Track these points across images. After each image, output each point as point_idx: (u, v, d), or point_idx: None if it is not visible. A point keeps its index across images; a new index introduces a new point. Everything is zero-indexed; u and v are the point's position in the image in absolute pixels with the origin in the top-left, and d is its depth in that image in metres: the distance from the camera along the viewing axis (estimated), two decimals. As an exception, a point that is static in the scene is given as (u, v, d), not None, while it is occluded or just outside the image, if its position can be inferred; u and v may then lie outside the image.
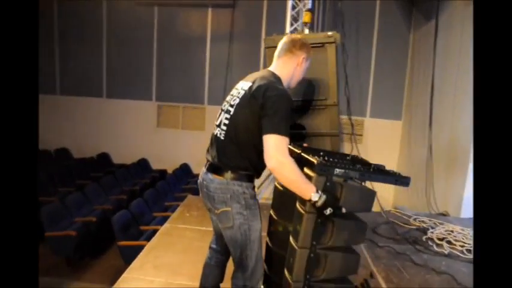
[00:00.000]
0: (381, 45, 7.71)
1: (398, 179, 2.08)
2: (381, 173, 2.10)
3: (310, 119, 2.78)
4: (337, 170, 1.88)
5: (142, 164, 7.96)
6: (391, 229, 4.26)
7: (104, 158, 8.27)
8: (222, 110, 2.20)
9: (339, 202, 1.89)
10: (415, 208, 6.00)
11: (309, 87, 2.75)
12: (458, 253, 3.70)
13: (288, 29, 6.11)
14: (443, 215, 5.21)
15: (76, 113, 8.57)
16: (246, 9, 7.73)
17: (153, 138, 8.17)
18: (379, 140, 7.88)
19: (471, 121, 4.95)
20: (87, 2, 8.22)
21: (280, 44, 2.22)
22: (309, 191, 1.85)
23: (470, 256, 3.63)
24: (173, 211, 4.72)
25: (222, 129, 2.13)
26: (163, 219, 4.56)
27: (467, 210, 5.06)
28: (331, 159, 2.03)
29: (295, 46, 2.17)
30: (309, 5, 5.86)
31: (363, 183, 2.09)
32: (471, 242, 3.84)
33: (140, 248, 3.50)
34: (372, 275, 3.15)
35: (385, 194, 7.60)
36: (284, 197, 2.24)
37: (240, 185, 2.08)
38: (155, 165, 8.07)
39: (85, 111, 8.53)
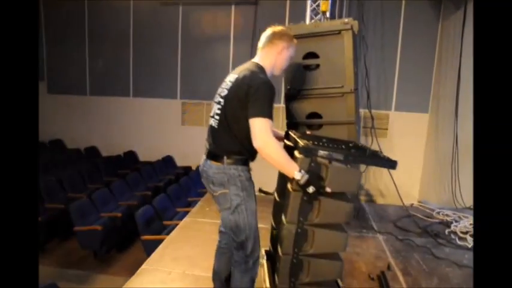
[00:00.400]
0: (407, 36, 7.49)
1: (384, 163, 2.21)
2: (367, 157, 2.20)
3: (326, 107, 2.77)
4: (321, 152, 2.00)
5: (167, 160, 8.11)
6: (412, 223, 4.19)
7: (131, 155, 8.47)
8: (215, 102, 2.35)
9: (323, 182, 2.01)
10: (442, 202, 5.86)
11: (325, 74, 2.74)
12: (483, 247, 3.59)
13: (308, 21, 6.07)
14: (471, 209, 5.06)
15: (104, 112, 8.81)
16: (269, 6, 7.72)
17: (177, 135, 8.30)
18: (404, 134, 7.70)
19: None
20: (114, 3, 8.44)
21: (262, 36, 2.38)
22: (293, 170, 2.02)
23: (495, 250, 3.53)
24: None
25: (215, 119, 2.30)
26: (186, 214, 4.64)
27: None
28: (316, 142, 2.12)
29: (274, 37, 2.33)
30: (329, -2, 5.78)
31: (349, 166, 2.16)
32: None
33: (163, 242, 3.58)
34: (389, 267, 3.11)
35: (411, 189, 7.47)
36: (284, 180, 2.34)
37: (236, 169, 2.23)
38: (180, 162, 8.22)
39: (113, 110, 8.76)
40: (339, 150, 2.06)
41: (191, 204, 5.53)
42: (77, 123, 8.97)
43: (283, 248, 2.17)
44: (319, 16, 6.07)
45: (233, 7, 7.94)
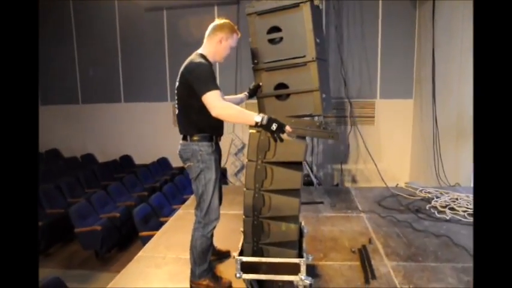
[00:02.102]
0: (386, 25, 7.71)
1: (324, 135, 2.68)
2: (308, 129, 2.66)
3: (292, 77, 2.92)
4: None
5: (162, 162, 8.30)
6: (396, 202, 4.41)
7: (126, 159, 8.65)
8: (175, 93, 2.72)
9: (282, 127, 2.34)
10: (428, 183, 6.07)
11: (289, 46, 2.89)
12: (460, 217, 3.82)
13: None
14: (453, 187, 5.28)
15: (98, 119, 8.98)
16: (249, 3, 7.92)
17: (170, 136, 8.36)
18: (391, 120, 7.91)
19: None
20: (99, 12, 8.61)
21: (208, 28, 2.73)
22: (252, 117, 2.36)
23: (471, 219, 3.74)
24: (190, 203, 4.99)
25: (176, 107, 2.72)
26: (181, 211, 4.83)
27: (477, 180, 5.12)
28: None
29: (216, 28, 2.69)
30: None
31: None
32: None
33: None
34: (370, 241, 3.32)
35: (402, 173, 7.68)
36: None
37: (197, 145, 2.60)
38: (175, 162, 8.39)
39: (106, 116, 8.93)
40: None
41: (186, 202, 5.72)
42: (71, 132, 9.14)
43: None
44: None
45: (216, 8, 8.14)
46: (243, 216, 2.56)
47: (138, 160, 8.70)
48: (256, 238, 2.55)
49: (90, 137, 9.07)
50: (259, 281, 2.61)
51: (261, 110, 2.92)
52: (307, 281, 2.45)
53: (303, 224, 2.90)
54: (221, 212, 2.88)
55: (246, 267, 2.53)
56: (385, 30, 7.70)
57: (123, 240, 5.58)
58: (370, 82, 7.89)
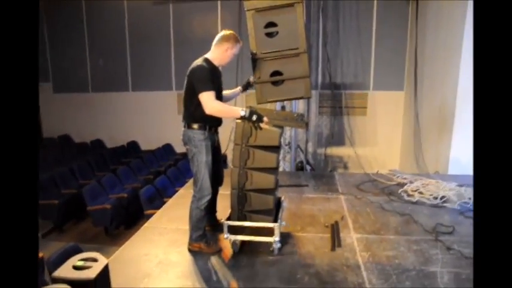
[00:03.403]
0: (381, 21, 8.11)
1: (294, 124, 3.58)
2: (283, 120, 3.26)
3: (286, 66, 3.44)
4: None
5: (167, 148, 8.86)
6: (373, 186, 4.92)
7: (133, 145, 9.23)
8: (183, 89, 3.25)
9: (261, 118, 2.98)
10: (414, 171, 6.55)
11: (283, 39, 3.39)
12: (426, 200, 4.32)
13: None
14: (431, 174, 5.74)
15: (107, 107, 9.53)
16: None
17: (175, 124, 8.83)
18: (383, 111, 8.37)
19: (456, 87, 5.46)
20: (109, 5, 9.09)
21: (217, 36, 3.23)
22: (238, 111, 3.02)
23: (436, 202, 4.25)
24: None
25: (183, 100, 3.25)
26: (184, 192, 5.35)
27: (454, 168, 5.61)
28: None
29: (222, 39, 3.19)
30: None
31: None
32: (440, 192, 4.42)
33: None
34: (342, 218, 3.85)
35: (392, 161, 8.15)
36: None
37: (192, 132, 3.15)
38: (178, 148, 8.94)
39: (114, 104, 9.48)
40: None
41: (187, 183, 6.26)
42: (82, 119, 9.69)
43: (232, 185, 3.16)
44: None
45: (219, 3, 8.59)
46: (231, 189, 3.16)
47: (144, 146, 9.28)
48: (240, 206, 3.17)
49: (99, 123, 9.64)
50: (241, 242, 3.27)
51: (258, 94, 3.47)
52: (276, 246, 3.12)
53: (283, 198, 3.54)
54: (222, 192, 3.56)
55: (232, 230, 3.16)
56: (379, 25, 8.13)
57: (130, 218, 6.13)
58: (364, 74, 8.33)
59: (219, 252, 3.25)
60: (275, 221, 3.16)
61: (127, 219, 6.08)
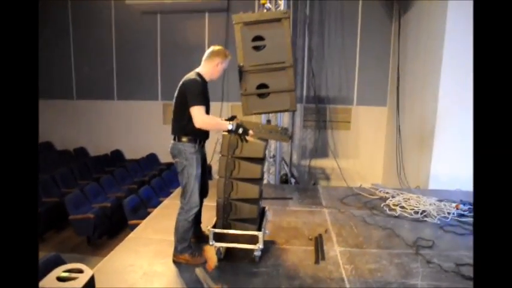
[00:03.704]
0: (364, 37, 8.31)
1: (278, 138, 3.62)
2: (268, 133, 3.41)
3: (272, 79, 3.55)
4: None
5: (151, 158, 8.83)
6: (356, 199, 5.01)
7: (117, 154, 9.16)
8: (173, 102, 3.30)
9: (247, 132, 3.13)
10: (396, 185, 6.68)
11: (270, 53, 3.50)
12: (407, 214, 4.43)
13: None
14: (412, 188, 5.87)
15: (91, 115, 9.47)
16: (239, 12, 8.44)
17: (160, 134, 8.91)
18: (366, 126, 8.54)
19: (436, 105, 5.63)
20: (97, 16, 9.07)
21: (206, 52, 3.34)
22: (226, 125, 3.14)
23: (416, 216, 4.36)
24: (176, 195, 5.52)
25: (172, 114, 3.31)
26: (167, 203, 5.35)
27: (434, 183, 5.76)
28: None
29: (212, 54, 3.30)
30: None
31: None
32: (420, 206, 4.54)
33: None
34: (326, 231, 3.91)
35: (375, 175, 8.29)
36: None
37: (182, 145, 3.21)
38: (163, 158, 8.93)
39: (99, 113, 9.43)
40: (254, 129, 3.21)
41: (172, 194, 6.25)
42: (65, 126, 9.59)
43: (218, 194, 3.26)
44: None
45: (207, 14, 8.68)
46: (216, 198, 3.26)
47: (128, 155, 9.22)
48: (225, 215, 3.27)
49: (83, 131, 9.55)
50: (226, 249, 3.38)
51: (244, 106, 3.54)
52: (257, 254, 3.27)
53: (266, 208, 3.71)
54: (206, 203, 3.60)
55: (217, 237, 3.27)
56: (363, 42, 8.34)
57: (113, 228, 6.08)
58: (348, 90, 8.50)
59: (204, 263, 3.26)
60: (259, 229, 3.28)
61: (110, 228, 6.03)
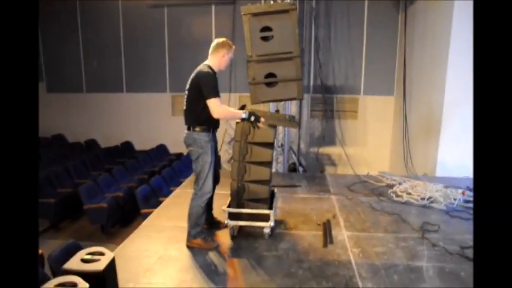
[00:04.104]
0: (371, 27, 8.33)
1: (287, 124, 4.01)
2: (278, 120, 3.71)
3: (280, 68, 3.68)
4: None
5: (161, 148, 8.98)
6: (363, 187, 5.10)
7: (127, 145, 9.31)
8: (185, 94, 3.46)
9: (258, 119, 3.38)
10: (403, 173, 6.74)
11: (278, 43, 3.63)
12: (414, 201, 4.51)
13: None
14: (419, 176, 5.93)
15: (101, 108, 9.60)
16: (245, 3, 8.49)
17: (169, 125, 9.10)
18: (374, 115, 8.58)
19: (443, 94, 5.68)
20: (104, 6, 9.18)
21: (212, 45, 3.48)
22: (240, 114, 3.37)
23: (423, 202, 4.44)
24: (186, 184, 5.66)
25: (185, 104, 3.45)
26: (179, 192, 5.48)
27: (441, 171, 5.82)
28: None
29: (218, 46, 3.44)
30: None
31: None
32: (427, 193, 4.62)
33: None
34: (334, 217, 4.02)
35: (383, 163, 8.35)
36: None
37: (197, 134, 3.36)
38: (172, 149, 9.09)
39: (108, 105, 9.56)
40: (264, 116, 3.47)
41: (183, 183, 6.39)
42: (76, 119, 9.74)
43: (232, 176, 3.54)
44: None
45: (213, 7, 8.74)
46: (231, 180, 3.53)
47: (138, 146, 9.36)
48: (239, 196, 3.53)
49: (93, 123, 9.69)
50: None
51: (252, 94, 3.70)
52: (267, 231, 3.56)
53: (275, 190, 3.94)
54: (217, 191, 3.74)
55: (232, 216, 3.54)
56: (370, 33, 8.35)
57: (126, 217, 6.24)
58: (355, 80, 8.54)
59: (216, 248, 3.41)
60: (270, 208, 3.54)
61: (123, 217, 6.19)
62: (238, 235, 3.63)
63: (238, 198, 3.52)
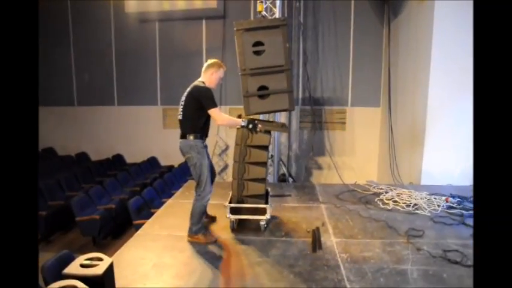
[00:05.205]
0: (357, 40, 8.58)
1: (278, 129, 4.44)
2: (270, 126, 4.06)
3: (271, 81, 3.92)
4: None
5: (152, 161, 9.05)
6: (351, 195, 5.25)
7: (119, 158, 9.37)
8: (180, 105, 3.80)
9: (256, 126, 3.77)
10: (390, 182, 6.91)
11: (269, 57, 3.87)
12: (400, 208, 4.67)
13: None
14: (405, 184, 6.11)
15: (92, 120, 9.69)
16: (236, 18, 8.69)
17: (160, 138, 9.21)
18: (361, 126, 8.79)
19: (426, 105, 5.89)
20: (97, 24, 9.32)
21: (204, 65, 3.85)
22: (239, 122, 3.79)
23: (408, 209, 4.60)
24: (178, 196, 5.75)
25: (180, 114, 3.80)
26: (170, 203, 5.55)
27: (426, 179, 6.01)
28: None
29: (208, 66, 3.83)
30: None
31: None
32: (412, 200, 4.80)
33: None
34: (323, 224, 4.15)
35: (370, 173, 8.52)
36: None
37: (193, 141, 3.70)
38: (163, 161, 9.18)
39: (100, 118, 9.65)
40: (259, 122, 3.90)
41: (175, 194, 6.47)
42: (67, 132, 9.79)
43: (233, 175, 4.03)
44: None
45: (204, 21, 8.93)
46: (232, 179, 4.03)
47: (129, 159, 9.43)
48: (239, 192, 3.99)
49: (84, 137, 9.76)
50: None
51: (246, 106, 3.95)
52: (263, 223, 4.00)
53: (269, 189, 4.36)
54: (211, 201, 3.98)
55: (233, 211, 3.98)
56: (356, 46, 8.61)
57: (118, 229, 6.29)
58: (342, 92, 8.76)
59: (215, 241, 3.73)
60: (266, 203, 4.01)
61: (114, 229, 6.23)
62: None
63: (238, 195, 3.97)
